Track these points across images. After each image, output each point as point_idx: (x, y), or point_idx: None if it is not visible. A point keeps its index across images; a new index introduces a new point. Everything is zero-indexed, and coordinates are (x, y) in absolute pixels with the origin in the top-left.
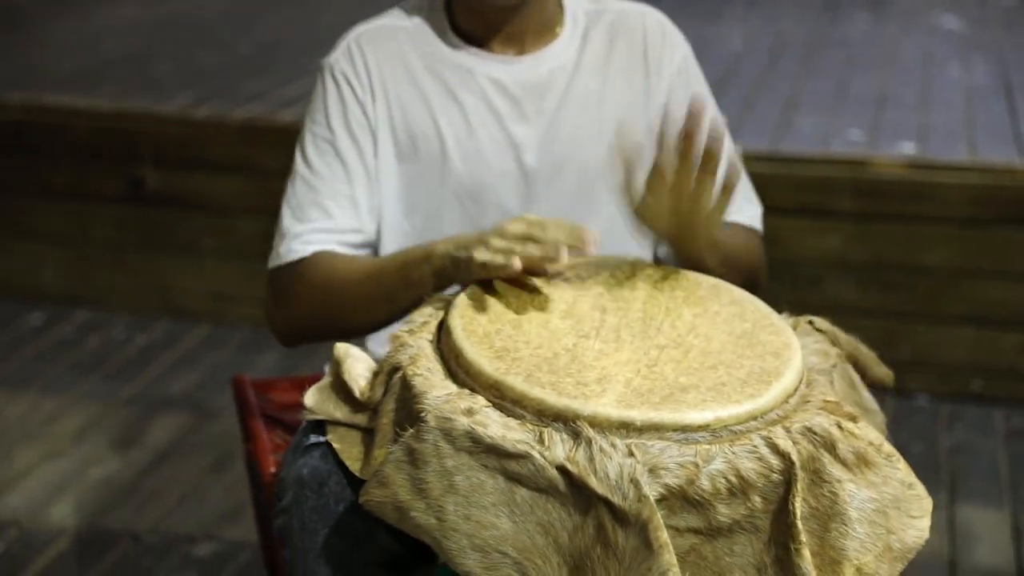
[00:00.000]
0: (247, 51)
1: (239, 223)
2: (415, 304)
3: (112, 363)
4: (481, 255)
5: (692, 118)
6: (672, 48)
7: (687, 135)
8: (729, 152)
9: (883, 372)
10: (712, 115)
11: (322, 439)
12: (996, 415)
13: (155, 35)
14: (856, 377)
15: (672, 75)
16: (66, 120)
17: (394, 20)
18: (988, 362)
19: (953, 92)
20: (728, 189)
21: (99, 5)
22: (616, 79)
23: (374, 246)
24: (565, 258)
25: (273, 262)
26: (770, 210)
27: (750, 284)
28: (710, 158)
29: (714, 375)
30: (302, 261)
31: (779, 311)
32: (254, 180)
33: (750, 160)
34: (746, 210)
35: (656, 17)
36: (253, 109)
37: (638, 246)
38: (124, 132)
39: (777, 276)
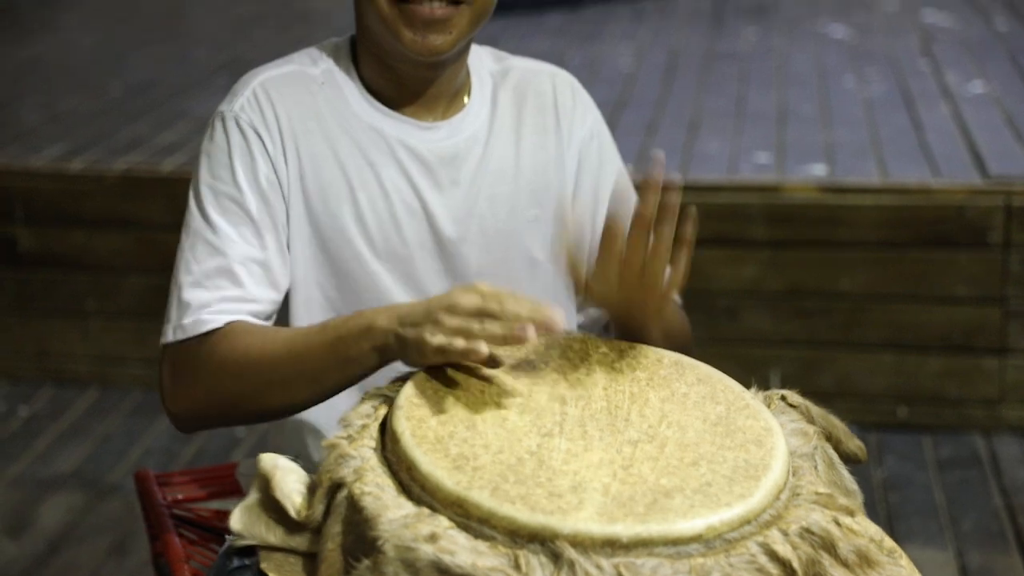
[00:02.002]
0: (118, 94)
1: (122, 280)
2: (346, 383)
3: None
4: (436, 339)
5: (647, 183)
6: (583, 111)
7: (642, 201)
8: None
9: (856, 445)
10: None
11: (247, 562)
12: (925, 443)
13: (19, 80)
14: (834, 455)
15: (583, 139)
16: None
17: (300, 67)
18: (911, 388)
19: (853, 106)
20: (682, 255)
21: None
22: (528, 143)
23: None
24: (533, 336)
25: (174, 336)
26: None
27: (686, 351)
28: (663, 224)
29: (697, 473)
30: (211, 334)
31: (698, 348)
32: (136, 234)
33: None
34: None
35: (565, 79)
36: (132, 159)
37: (564, 314)
38: None
39: (693, 308)
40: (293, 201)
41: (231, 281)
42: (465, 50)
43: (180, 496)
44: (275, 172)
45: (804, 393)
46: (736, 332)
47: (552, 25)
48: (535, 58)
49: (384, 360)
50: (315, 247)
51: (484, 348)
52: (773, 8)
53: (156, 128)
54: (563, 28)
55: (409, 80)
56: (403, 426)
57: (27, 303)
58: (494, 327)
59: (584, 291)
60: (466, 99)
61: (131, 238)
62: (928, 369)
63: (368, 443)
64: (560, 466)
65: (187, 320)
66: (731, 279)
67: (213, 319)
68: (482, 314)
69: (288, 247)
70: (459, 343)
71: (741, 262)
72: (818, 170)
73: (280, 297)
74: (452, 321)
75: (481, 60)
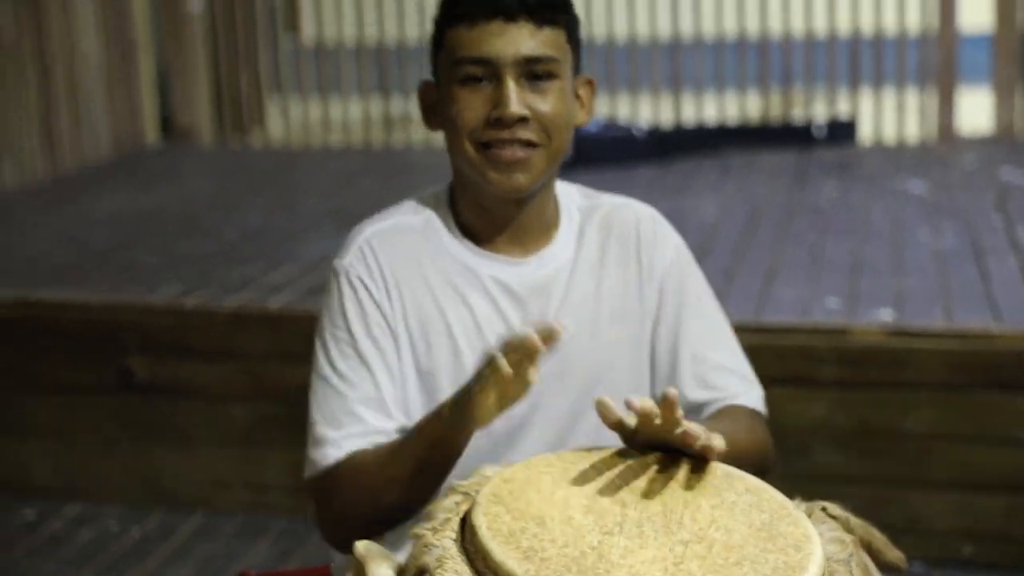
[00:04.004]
0: (231, 239)
1: (230, 409)
2: (443, 470)
3: (105, 557)
4: (475, 384)
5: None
6: (664, 244)
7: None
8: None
9: (896, 556)
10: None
11: None
12: None
13: (140, 226)
14: (871, 563)
15: (664, 269)
16: (55, 314)
17: (403, 217)
18: (976, 526)
19: (925, 257)
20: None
21: (84, 198)
22: (611, 275)
23: None
24: (540, 345)
25: (309, 471)
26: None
27: (759, 466)
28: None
29: (740, 572)
30: (340, 463)
31: (772, 483)
32: (244, 366)
33: (735, 331)
34: (748, 392)
35: (649, 213)
36: (242, 297)
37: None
38: (112, 324)
39: None
40: (400, 341)
41: (353, 419)
42: (546, 187)
43: None
44: (383, 317)
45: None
46: (806, 469)
47: (643, 179)
48: None
49: (458, 436)
50: (417, 381)
51: (505, 365)
52: (855, 165)
53: (265, 269)
54: (653, 182)
55: (498, 216)
56: (480, 520)
57: (141, 431)
58: (510, 352)
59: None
60: (555, 233)
61: (238, 370)
62: (992, 508)
63: (449, 534)
64: (618, 560)
65: (318, 456)
66: (801, 417)
67: (336, 453)
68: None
69: (401, 381)
70: (488, 375)
71: (811, 401)
72: (886, 315)
73: (396, 425)
74: (485, 371)
75: (571, 197)
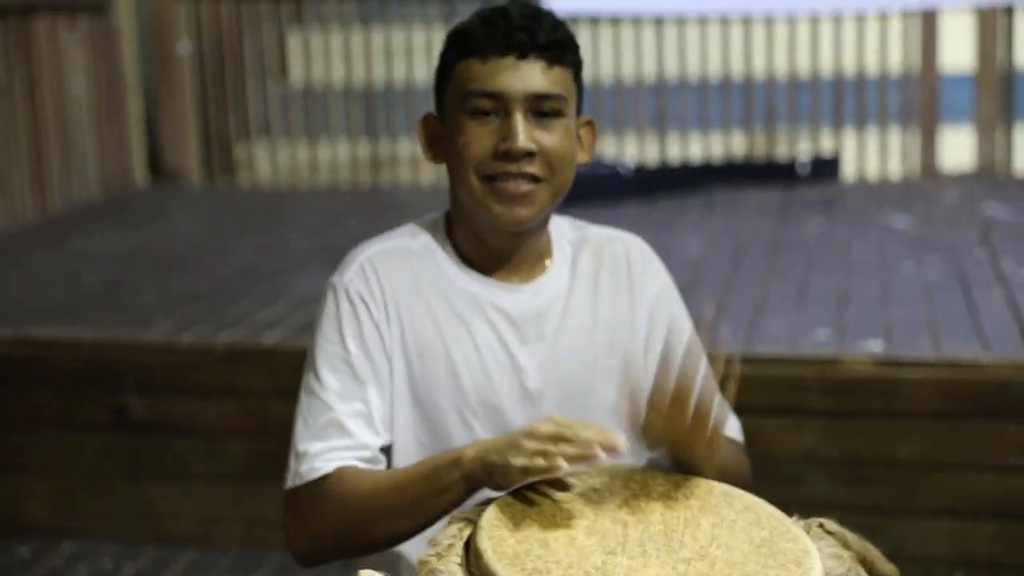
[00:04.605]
0: (223, 277)
1: (225, 445)
2: (442, 512)
3: None
4: (519, 460)
5: (688, 359)
6: (653, 273)
7: (681, 382)
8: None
9: (889, 569)
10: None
11: None
12: None
13: (132, 265)
14: None
15: (653, 297)
16: (50, 352)
17: (402, 241)
18: (967, 553)
19: (911, 290)
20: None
21: (75, 237)
22: (604, 301)
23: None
24: (602, 457)
25: (292, 482)
26: (746, 410)
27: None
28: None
29: None
30: (325, 478)
31: None
32: (240, 402)
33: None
34: (729, 421)
35: (638, 244)
36: (236, 333)
37: (632, 458)
38: (108, 361)
39: (756, 475)
40: (395, 359)
41: (341, 433)
42: (545, 220)
43: None
44: (379, 335)
45: None
46: (797, 497)
47: (629, 214)
48: None
49: (471, 489)
50: (413, 400)
51: (563, 464)
52: (839, 201)
53: (258, 306)
54: (639, 218)
55: (496, 247)
56: (485, 544)
57: (135, 468)
58: (569, 448)
59: (642, 432)
60: (548, 263)
61: (233, 406)
62: (982, 535)
63: (454, 559)
64: None
65: (303, 468)
66: (791, 446)
67: (323, 466)
68: (557, 439)
69: (392, 399)
70: (540, 462)
71: (801, 431)
72: (875, 346)
73: (383, 442)
74: (532, 444)
75: (560, 230)
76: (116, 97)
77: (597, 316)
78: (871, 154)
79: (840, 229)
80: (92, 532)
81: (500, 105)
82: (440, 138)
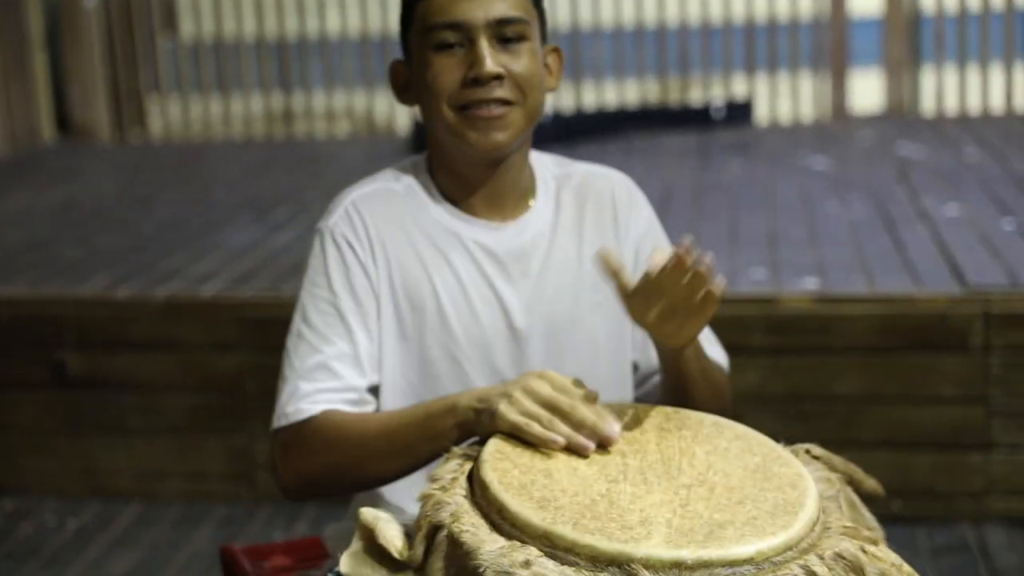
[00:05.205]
0: (150, 231)
1: (165, 399)
2: (433, 456)
3: (46, 550)
4: (511, 415)
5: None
6: (638, 209)
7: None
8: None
9: (872, 484)
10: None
11: None
12: (919, 534)
13: (55, 222)
14: (856, 498)
15: (639, 233)
16: None
17: (386, 183)
18: (905, 483)
19: (839, 228)
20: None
21: None
22: (589, 238)
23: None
24: (592, 448)
25: (279, 423)
26: None
27: (722, 402)
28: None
29: (743, 510)
30: (312, 419)
31: None
32: (178, 356)
33: None
34: (717, 354)
35: (622, 180)
36: (171, 287)
37: (618, 393)
38: (44, 318)
39: None
40: (383, 300)
41: (328, 375)
42: (521, 152)
43: (269, 567)
44: (367, 276)
45: None
46: None
47: None
48: None
49: (464, 435)
50: (401, 340)
51: (561, 441)
52: (755, 144)
53: (191, 260)
54: None
55: (475, 180)
56: (491, 476)
57: (75, 424)
58: (562, 427)
59: (630, 298)
60: (531, 201)
61: (172, 360)
62: (920, 465)
63: (459, 492)
64: (628, 505)
65: (290, 409)
66: (735, 384)
67: (310, 408)
68: (553, 406)
69: (380, 341)
70: (535, 428)
71: (744, 368)
72: (810, 284)
73: (370, 384)
74: (526, 402)
75: (545, 165)
76: (21, 53)
77: (582, 252)
78: (783, 98)
79: (760, 171)
80: (34, 488)
81: (463, 35)
82: (410, 82)
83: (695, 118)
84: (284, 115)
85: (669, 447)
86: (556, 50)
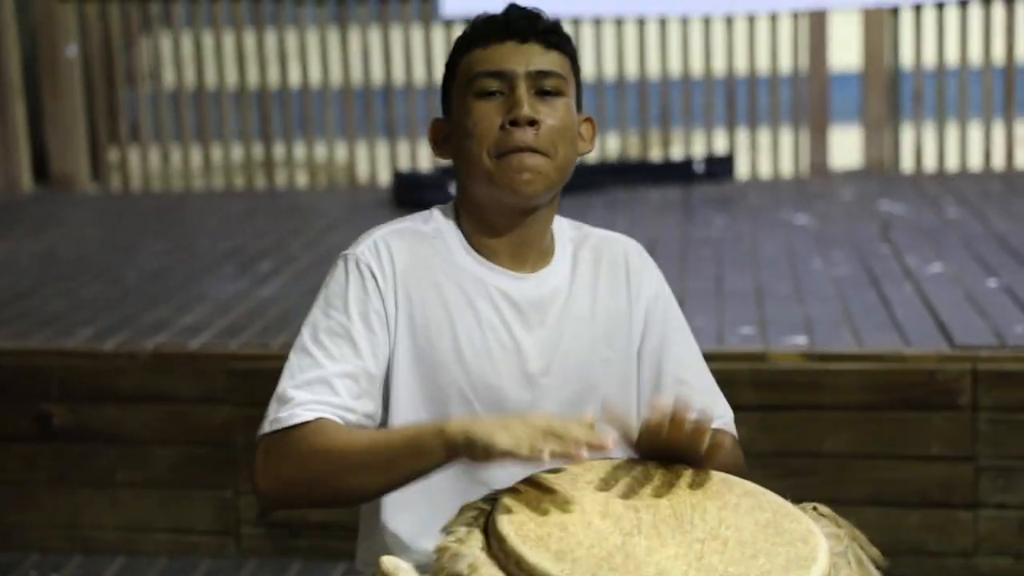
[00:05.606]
0: (134, 282)
1: (151, 452)
2: (413, 477)
3: None
4: (504, 442)
5: (679, 411)
6: (649, 273)
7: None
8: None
9: (874, 552)
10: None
11: None
12: None
13: (38, 272)
14: (863, 555)
15: (650, 297)
16: None
17: (415, 224)
18: (894, 541)
19: (824, 284)
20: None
21: None
22: (603, 296)
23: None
24: (585, 456)
25: (269, 427)
26: None
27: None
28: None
29: (757, 564)
30: (304, 425)
31: None
32: (165, 409)
33: None
34: (724, 416)
35: (635, 246)
36: (159, 339)
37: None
38: (29, 370)
39: None
40: (400, 335)
41: (328, 390)
42: (549, 207)
43: None
44: (384, 308)
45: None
46: None
47: None
48: None
49: (450, 457)
50: (416, 376)
51: (547, 456)
52: (737, 199)
53: (177, 311)
54: None
55: (505, 230)
56: (508, 528)
57: (59, 477)
58: (556, 445)
59: (635, 447)
60: (551, 257)
61: (159, 412)
62: (908, 522)
63: (475, 544)
64: (644, 557)
65: (283, 413)
66: None
67: (304, 414)
68: (548, 433)
69: (391, 375)
70: (524, 450)
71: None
72: (799, 340)
73: (370, 412)
74: (521, 431)
75: (562, 228)
76: (1, 102)
77: (596, 309)
78: (763, 152)
79: (744, 226)
80: (15, 542)
81: (505, 83)
82: (448, 137)
83: (677, 172)
84: (264, 165)
85: (681, 502)
86: (590, 120)
